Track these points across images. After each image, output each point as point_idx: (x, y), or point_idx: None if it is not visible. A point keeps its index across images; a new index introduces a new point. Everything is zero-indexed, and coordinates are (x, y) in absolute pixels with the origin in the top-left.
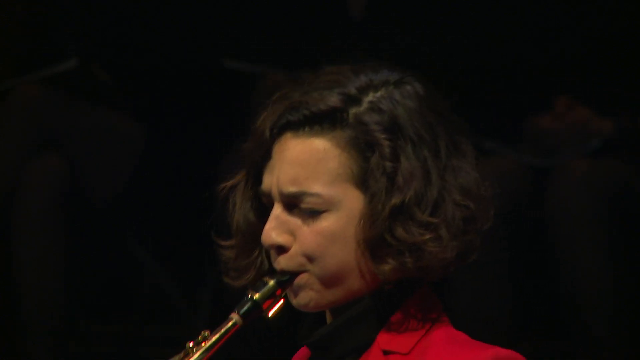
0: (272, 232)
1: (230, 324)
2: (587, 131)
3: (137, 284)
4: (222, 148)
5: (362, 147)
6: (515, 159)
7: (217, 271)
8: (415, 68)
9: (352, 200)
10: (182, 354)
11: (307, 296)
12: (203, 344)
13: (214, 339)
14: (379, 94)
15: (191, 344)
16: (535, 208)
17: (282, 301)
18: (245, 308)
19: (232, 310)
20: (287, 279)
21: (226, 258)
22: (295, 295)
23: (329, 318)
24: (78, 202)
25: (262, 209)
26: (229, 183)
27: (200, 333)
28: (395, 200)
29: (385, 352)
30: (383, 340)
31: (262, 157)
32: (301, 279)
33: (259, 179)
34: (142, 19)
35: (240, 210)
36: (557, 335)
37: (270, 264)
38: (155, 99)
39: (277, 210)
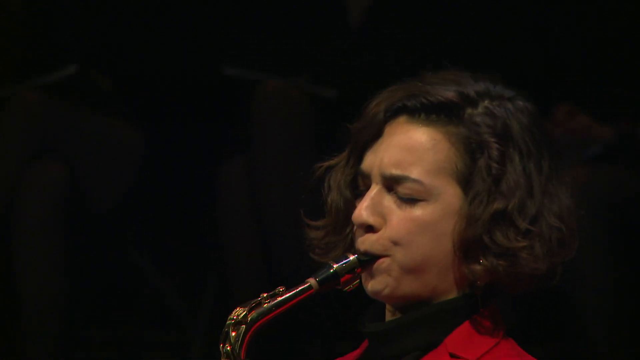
0: (365, 211)
1: (305, 286)
2: (587, 138)
3: (137, 290)
4: (221, 154)
5: (472, 146)
6: None
7: (217, 276)
8: (415, 73)
9: (451, 196)
10: (253, 302)
11: (384, 281)
12: (276, 299)
13: (286, 295)
14: (495, 102)
15: (265, 295)
16: None
17: (358, 280)
18: (324, 275)
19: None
20: (368, 259)
21: (314, 236)
22: (372, 278)
23: (388, 316)
24: (78, 207)
25: (357, 191)
26: (327, 163)
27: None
28: (499, 204)
29: (452, 356)
30: (451, 343)
31: (370, 137)
32: (381, 263)
33: (360, 160)
34: (142, 26)
35: (338, 188)
36: (557, 340)
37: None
38: (154, 105)
39: (374, 190)
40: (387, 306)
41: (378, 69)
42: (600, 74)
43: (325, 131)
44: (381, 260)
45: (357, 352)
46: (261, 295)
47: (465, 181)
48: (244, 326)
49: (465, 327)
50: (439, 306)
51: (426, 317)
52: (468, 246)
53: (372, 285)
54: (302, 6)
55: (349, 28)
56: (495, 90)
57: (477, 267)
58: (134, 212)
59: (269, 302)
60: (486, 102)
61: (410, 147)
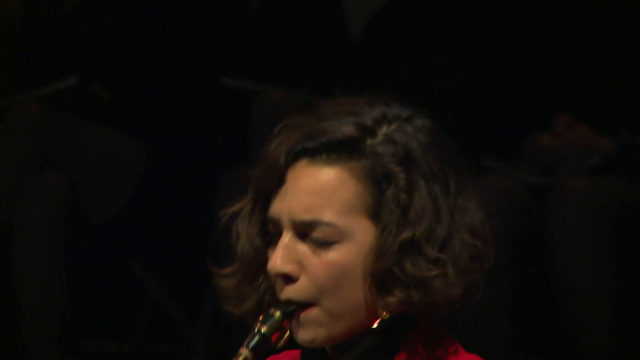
0: (280, 260)
1: (240, 359)
2: (587, 149)
3: (136, 302)
4: (221, 165)
5: (377, 178)
6: (515, 177)
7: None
8: (415, 87)
9: (364, 233)
10: None
11: (314, 332)
12: None
13: None
14: (392, 127)
15: None
16: (535, 226)
17: (288, 332)
18: (254, 342)
19: (240, 345)
20: (293, 309)
21: (226, 285)
22: (301, 328)
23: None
24: (78, 219)
25: (268, 237)
26: (232, 209)
27: None
28: (407, 234)
29: None
30: None
31: (274, 183)
32: (308, 313)
33: (267, 205)
34: (142, 37)
35: (247, 236)
36: (556, 353)
37: (274, 295)
38: (154, 116)
39: (286, 238)
40: None
41: (378, 80)
42: (599, 84)
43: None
44: (308, 310)
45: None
46: None
47: (375, 215)
48: None
49: (399, 357)
50: (368, 341)
51: (361, 355)
52: (380, 279)
53: (302, 336)
54: (302, 17)
55: (349, 39)
56: (392, 113)
57: (391, 300)
58: (134, 223)
59: None
60: (384, 129)
61: (317, 189)
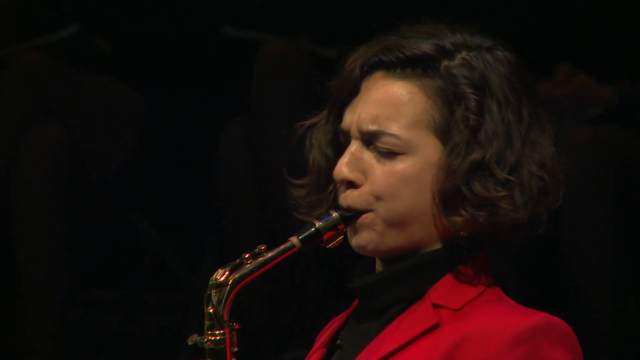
0: (345, 167)
1: (287, 245)
2: (587, 99)
3: (137, 252)
4: (222, 115)
5: (449, 98)
6: None
7: (217, 237)
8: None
9: (430, 149)
10: (235, 262)
11: (368, 236)
12: (258, 259)
13: (269, 255)
14: (472, 53)
15: (247, 255)
16: None
17: (342, 237)
18: (306, 234)
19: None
20: (351, 215)
21: (298, 195)
22: (356, 233)
23: (378, 269)
24: (78, 168)
25: (340, 148)
26: (308, 122)
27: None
28: (476, 155)
29: (435, 306)
30: (435, 294)
31: (348, 94)
32: (365, 218)
33: (341, 117)
34: None
35: (319, 146)
36: (559, 302)
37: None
38: (154, 66)
39: (354, 146)
40: (377, 260)
41: (379, 29)
42: (600, 34)
43: (327, 92)
44: (365, 215)
45: (350, 309)
46: (243, 255)
47: (443, 133)
48: (226, 288)
49: (449, 277)
50: (422, 257)
51: (410, 269)
52: (447, 198)
53: (357, 241)
54: None
55: None
56: (473, 41)
57: (457, 219)
58: (135, 174)
59: (251, 262)
60: (463, 54)
61: (386, 101)
